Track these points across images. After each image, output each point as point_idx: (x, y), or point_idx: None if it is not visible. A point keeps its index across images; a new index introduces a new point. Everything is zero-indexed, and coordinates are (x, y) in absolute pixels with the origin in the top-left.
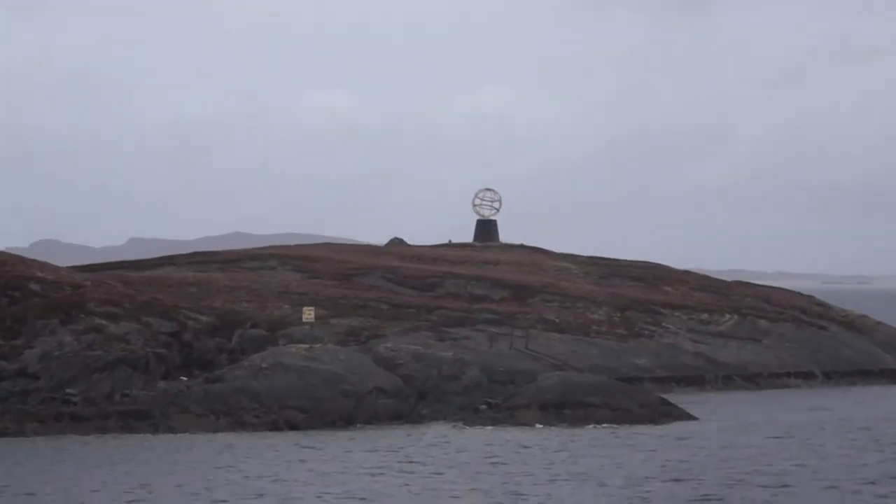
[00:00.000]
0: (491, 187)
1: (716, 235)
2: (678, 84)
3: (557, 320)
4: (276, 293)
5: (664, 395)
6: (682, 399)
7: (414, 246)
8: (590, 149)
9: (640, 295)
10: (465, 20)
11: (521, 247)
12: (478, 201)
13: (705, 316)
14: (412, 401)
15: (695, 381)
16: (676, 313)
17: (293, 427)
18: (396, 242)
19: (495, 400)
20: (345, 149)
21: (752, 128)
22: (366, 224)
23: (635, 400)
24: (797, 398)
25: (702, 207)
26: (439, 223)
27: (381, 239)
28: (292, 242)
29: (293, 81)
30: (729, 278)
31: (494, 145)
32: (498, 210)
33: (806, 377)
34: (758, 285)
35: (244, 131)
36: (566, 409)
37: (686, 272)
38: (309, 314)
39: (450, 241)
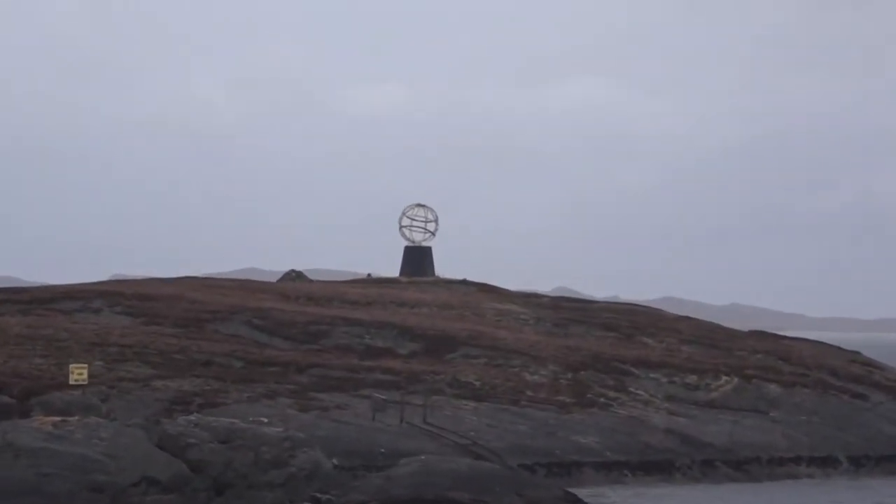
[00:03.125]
0: (423, 203)
1: (869, 273)
2: (822, 80)
3: (478, 383)
4: (85, 345)
5: (614, 489)
6: (628, 494)
7: (315, 282)
8: (703, 157)
9: (606, 349)
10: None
11: (464, 283)
12: (406, 221)
13: (693, 378)
14: (203, 497)
15: (661, 467)
16: (653, 374)
17: None
18: (293, 276)
19: (327, 495)
20: (397, 157)
21: None
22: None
23: (524, 496)
24: (801, 494)
25: (850, 233)
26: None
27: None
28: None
29: (332, 70)
30: (883, 330)
31: (586, 151)
32: (433, 234)
33: (825, 464)
34: (783, 336)
35: (264, 133)
36: None
37: (683, 318)
38: (80, 374)
39: (369, 274)
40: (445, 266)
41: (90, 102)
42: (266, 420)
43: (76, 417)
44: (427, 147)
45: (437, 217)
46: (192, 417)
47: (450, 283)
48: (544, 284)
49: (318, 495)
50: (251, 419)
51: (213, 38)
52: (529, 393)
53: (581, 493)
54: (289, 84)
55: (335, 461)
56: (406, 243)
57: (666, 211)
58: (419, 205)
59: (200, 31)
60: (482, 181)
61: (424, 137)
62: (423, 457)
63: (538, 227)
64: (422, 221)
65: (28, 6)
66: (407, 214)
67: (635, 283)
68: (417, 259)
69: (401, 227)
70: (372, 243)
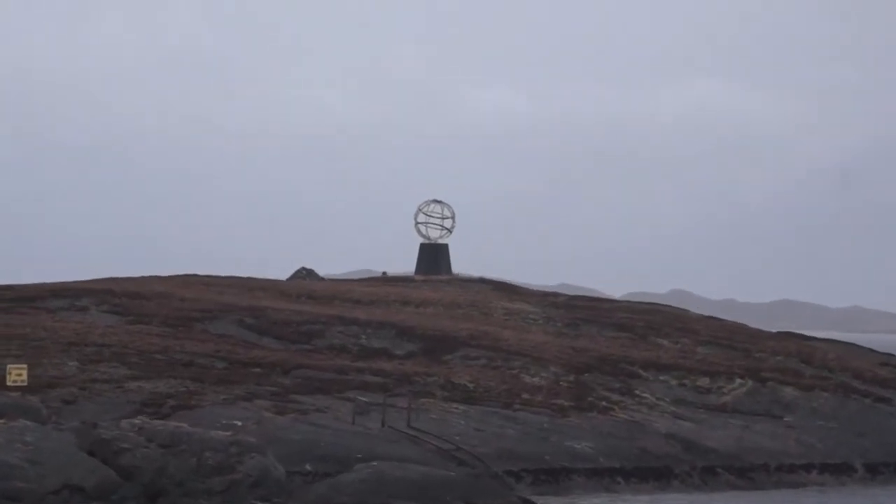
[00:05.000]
0: (440, 199)
1: None
2: None
3: (471, 385)
4: (62, 345)
5: (600, 496)
6: (616, 502)
7: (324, 280)
8: (826, 157)
9: (616, 350)
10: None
11: (481, 281)
12: (422, 217)
13: (706, 381)
14: None
15: (658, 474)
16: (662, 377)
17: None
18: (303, 275)
19: (269, 503)
20: (513, 163)
21: None
22: (539, 263)
23: None
24: (799, 503)
25: None
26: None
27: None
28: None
29: (448, 75)
30: None
31: (703, 153)
32: (450, 231)
33: (838, 471)
34: (810, 338)
35: (382, 138)
36: None
37: (705, 318)
38: (18, 375)
39: (384, 273)
40: (550, 269)
41: (211, 108)
42: (239, 423)
43: (2, 420)
44: (543, 149)
45: (453, 213)
46: (136, 421)
47: (466, 281)
48: (660, 286)
49: (259, 503)
50: (223, 422)
51: (330, 40)
52: (525, 396)
53: (565, 500)
54: (408, 87)
55: (308, 466)
56: (421, 240)
57: (785, 212)
58: (435, 201)
59: (318, 32)
60: (597, 184)
61: (541, 140)
62: (374, 462)
63: (654, 229)
64: (438, 218)
65: (145, 10)
66: (423, 211)
67: (753, 285)
68: (433, 257)
69: (416, 223)
70: (491, 246)
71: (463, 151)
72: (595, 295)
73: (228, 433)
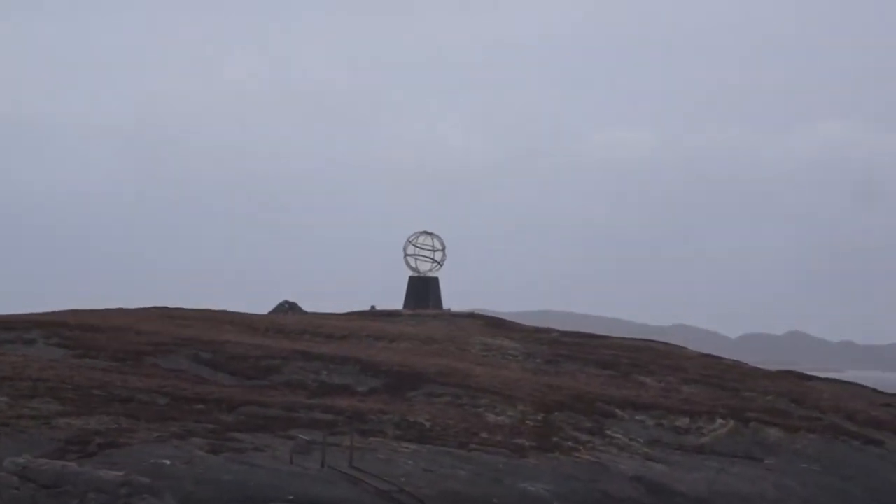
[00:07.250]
0: (430, 230)
1: None
2: None
3: (428, 424)
4: None
5: None
6: None
7: (308, 314)
8: None
9: (594, 388)
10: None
11: (471, 316)
12: (412, 250)
13: (685, 421)
14: None
15: None
16: (639, 416)
17: None
18: (285, 308)
19: None
20: (634, 202)
21: None
22: (655, 303)
23: None
24: None
25: None
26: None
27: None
28: (546, 321)
29: (576, 114)
30: None
31: (829, 194)
32: (440, 264)
33: None
34: (809, 377)
35: (503, 177)
36: None
37: (700, 356)
38: None
39: (372, 307)
40: (666, 309)
41: (337, 146)
42: (168, 462)
43: None
44: (664, 190)
45: (444, 246)
46: (20, 460)
47: (455, 316)
48: (777, 328)
49: None
50: (152, 461)
51: (458, 82)
52: (484, 435)
53: None
54: (536, 128)
55: None
56: (410, 273)
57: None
58: (426, 232)
59: (444, 75)
60: (717, 224)
61: (663, 180)
62: None
63: (773, 270)
64: (429, 250)
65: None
66: (413, 243)
67: (873, 326)
68: (422, 290)
69: (406, 255)
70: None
71: (581, 187)
72: (709, 336)
73: (121, 473)
